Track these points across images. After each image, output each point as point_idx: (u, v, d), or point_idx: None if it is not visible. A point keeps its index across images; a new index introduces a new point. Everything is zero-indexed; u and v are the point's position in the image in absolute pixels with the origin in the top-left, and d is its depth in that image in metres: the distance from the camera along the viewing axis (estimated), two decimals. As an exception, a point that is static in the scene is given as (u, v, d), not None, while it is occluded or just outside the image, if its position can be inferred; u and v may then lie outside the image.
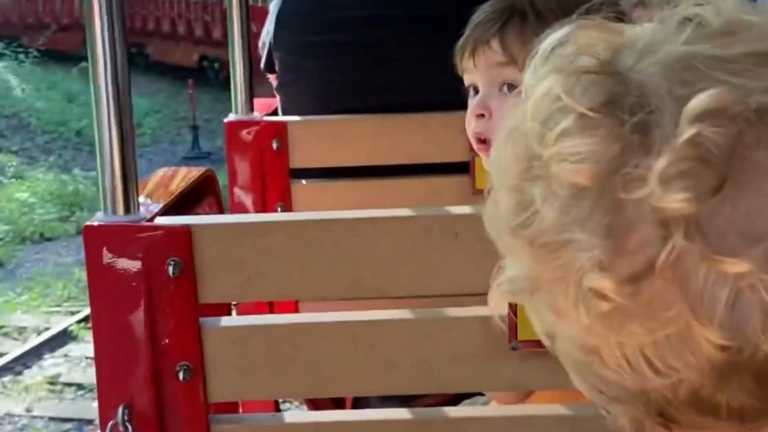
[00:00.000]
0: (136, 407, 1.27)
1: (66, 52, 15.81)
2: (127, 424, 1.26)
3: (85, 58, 1.28)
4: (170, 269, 1.23)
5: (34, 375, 5.09)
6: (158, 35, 16.30)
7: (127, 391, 1.28)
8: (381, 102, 2.09)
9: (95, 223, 1.26)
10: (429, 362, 1.27)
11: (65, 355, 5.32)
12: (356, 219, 1.28)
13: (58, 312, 6.06)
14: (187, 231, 1.24)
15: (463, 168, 2.00)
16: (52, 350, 5.39)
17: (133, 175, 1.27)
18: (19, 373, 5.14)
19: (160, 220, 1.29)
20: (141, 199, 1.33)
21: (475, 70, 1.41)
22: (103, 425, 1.28)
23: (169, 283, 1.24)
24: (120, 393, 1.28)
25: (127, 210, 1.26)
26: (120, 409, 1.26)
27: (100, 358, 1.32)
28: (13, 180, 9.64)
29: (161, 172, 1.71)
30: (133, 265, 1.24)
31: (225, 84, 2.50)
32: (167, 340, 1.26)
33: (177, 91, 14.07)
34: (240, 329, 1.34)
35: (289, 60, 2.20)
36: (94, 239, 1.25)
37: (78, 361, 5.23)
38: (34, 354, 5.34)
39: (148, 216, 1.28)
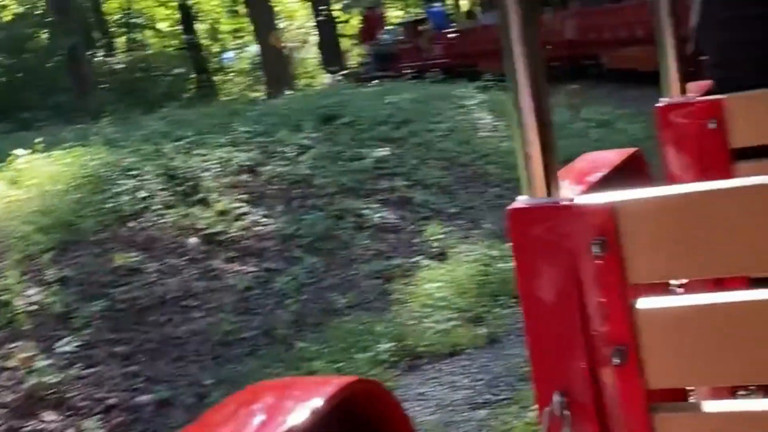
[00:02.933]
0: (572, 394, 1.24)
1: None
2: (564, 411, 1.23)
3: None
4: (595, 249, 1.19)
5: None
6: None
7: (562, 377, 1.25)
8: None
9: (519, 206, 1.26)
10: None
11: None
12: None
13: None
14: (610, 209, 1.19)
15: None
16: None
17: (553, 158, 1.24)
18: None
19: (581, 200, 1.25)
20: (566, 182, 1.32)
21: None
22: (540, 412, 1.26)
23: (595, 263, 1.20)
24: (555, 379, 1.25)
25: (548, 192, 1.24)
26: (556, 396, 1.24)
27: (534, 343, 1.29)
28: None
29: (588, 156, 1.67)
30: (557, 247, 1.22)
31: None
32: (599, 323, 1.22)
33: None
34: (675, 310, 1.24)
35: (723, 36, 2.12)
36: (519, 221, 1.25)
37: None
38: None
39: (571, 197, 1.26)
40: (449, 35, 23.35)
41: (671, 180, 1.96)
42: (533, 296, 1.27)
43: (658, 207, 1.22)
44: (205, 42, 36.91)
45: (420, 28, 24.81)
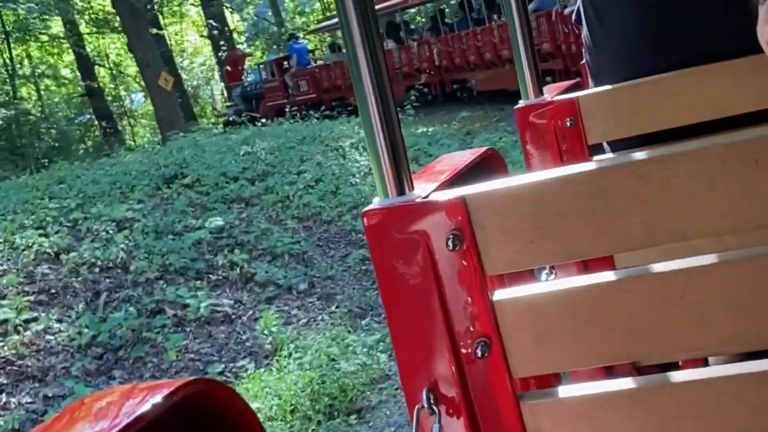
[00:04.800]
0: (440, 389, 1.24)
1: None
2: (433, 407, 1.23)
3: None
4: (450, 242, 1.18)
5: None
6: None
7: (430, 374, 1.24)
8: (678, 57, 1.84)
9: (373, 207, 1.22)
10: (749, 310, 1.12)
11: None
12: (641, 161, 1.14)
13: None
14: (461, 202, 1.18)
15: None
16: None
17: (403, 157, 1.22)
18: None
19: (434, 196, 1.22)
20: (422, 182, 1.29)
21: None
22: (411, 410, 1.25)
23: (452, 257, 1.18)
24: (423, 376, 1.25)
25: (401, 192, 1.22)
26: (424, 393, 1.24)
27: (399, 343, 1.26)
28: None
29: (444, 157, 1.64)
30: (414, 244, 1.20)
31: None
32: (461, 317, 1.21)
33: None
34: (532, 298, 1.22)
35: (602, 16, 2.01)
36: (374, 222, 1.21)
37: None
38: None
39: (423, 195, 1.22)
40: (314, 70, 23.00)
41: None
42: (395, 296, 1.23)
43: (506, 197, 1.19)
44: (108, 86, 35.14)
45: (284, 65, 24.27)
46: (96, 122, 32.07)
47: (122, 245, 7.05)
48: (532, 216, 1.17)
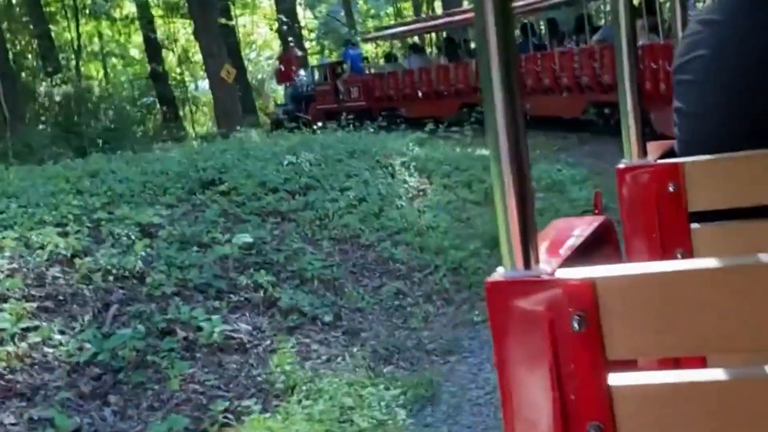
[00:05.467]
0: None
1: None
2: None
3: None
4: (575, 324, 1.15)
5: None
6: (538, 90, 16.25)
7: None
8: None
9: (497, 279, 1.20)
10: None
11: None
12: None
13: None
14: (590, 284, 1.15)
15: None
16: None
17: (533, 227, 1.19)
18: None
19: (561, 273, 1.19)
20: (540, 250, 1.23)
21: None
22: None
23: (574, 338, 1.16)
24: None
25: (527, 265, 1.19)
26: None
27: (509, 419, 1.24)
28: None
29: (559, 224, 1.62)
30: (536, 320, 1.18)
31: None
32: (575, 399, 1.17)
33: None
34: (652, 387, 1.18)
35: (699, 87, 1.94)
36: (498, 295, 1.20)
37: None
38: None
39: (550, 270, 1.19)
40: (368, 78, 23.00)
41: (630, 242, 1.92)
42: (510, 372, 1.21)
43: (636, 283, 1.17)
44: (174, 71, 35.06)
45: (338, 70, 24.12)
46: (158, 106, 31.98)
47: (142, 253, 6.58)
48: (661, 305, 1.14)
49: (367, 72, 23.54)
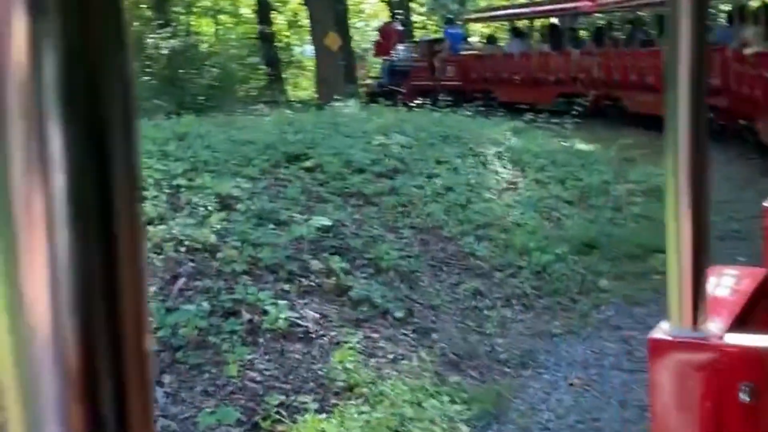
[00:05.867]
0: None
1: None
2: None
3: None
4: (743, 394, 1.09)
5: None
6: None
7: None
8: None
9: (662, 336, 1.14)
10: None
11: None
12: None
13: None
14: (761, 353, 1.09)
15: None
16: None
17: (704, 288, 1.12)
18: None
19: (731, 339, 1.12)
20: (706, 304, 1.17)
21: None
22: None
23: (744, 407, 1.09)
24: None
25: (694, 324, 1.13)
26: None
27: None
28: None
29: (718, 275, 1.44)
30: (701, 385, 1.11)
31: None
32: None
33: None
34: None
35: None
36: (661, 352, 1.14)
37: None
38: None
39: (718, 332, 1.14)
40: (465, 58, 22.74)
41: None
42: (666, 427, 1.14)
43: None
44: (281, 34, 35.10)
45: (436, 47, 23.85)
46: (263, 67, 32.06)
47: (217, 226, 6.38)
48: None
49: (465, 52, 23.25)
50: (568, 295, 6.97)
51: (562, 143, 12.40)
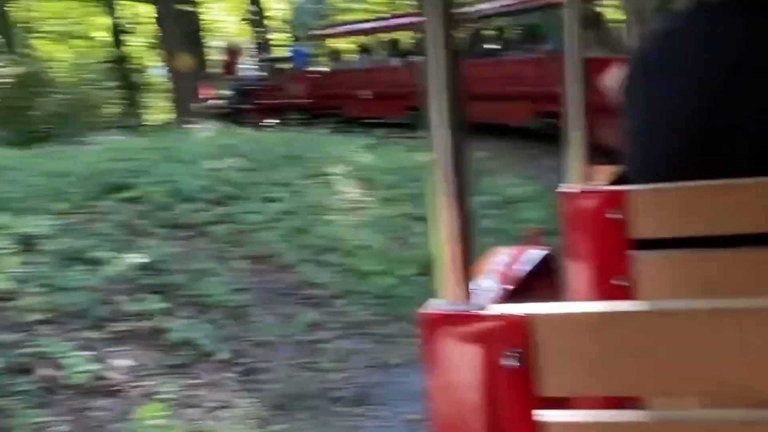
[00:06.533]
0: None
1: None
2: None
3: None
4: (507, 360, 1.16)
5: None
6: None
7: None
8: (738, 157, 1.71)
9: (431, 311, 1.20)
10: None
11: None
12: (715, 310, 1.12)
13: None
14: (525, 320, 1.15)
15: None
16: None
17: (469, 262, 1.18)
18: None
19: (497, 309, 1.19)
20: (477, 282, 1.24)
21: None
22: None
23: (506, 374, 1.17)
24: None
25: (462, 297, 1.18)
26: None
27: None
28: None
29: (499, 253, 1.58)
30: (470, 355, 1.18)
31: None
32: None
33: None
34: (580, 425, 1.21)
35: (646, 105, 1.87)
36: (430, 327, 1.19)
37: None
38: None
39: (485, 303, 1.20)
40: (312, 75, 22.84)
41: (571, 268, 1.89)
42: (440, 405, 1.22)
43: (571, 323, 1.18)
44: (137, 56, 34.02)
45: (282, 65, 23.97)
46: (117, 91, 30.92)
47: (17, 270, 5.71)
48: (594, 345, 1.13)
49: (312, 69, 23.29)
50: (412, 321, 6.55)
51: (415, 158, 12.09)
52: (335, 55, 23.35)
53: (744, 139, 1.71)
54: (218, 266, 6.79)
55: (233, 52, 26.27)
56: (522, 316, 1.14)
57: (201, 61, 25.72)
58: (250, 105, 22.83)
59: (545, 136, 13.76)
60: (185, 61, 20.78)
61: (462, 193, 1.14)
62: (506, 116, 15.87)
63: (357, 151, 11.21)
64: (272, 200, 8.16)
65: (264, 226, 7.60)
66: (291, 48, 24.58)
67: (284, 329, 6.22)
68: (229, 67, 25.67)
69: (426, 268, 7.37)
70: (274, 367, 5.70)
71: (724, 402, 1.16)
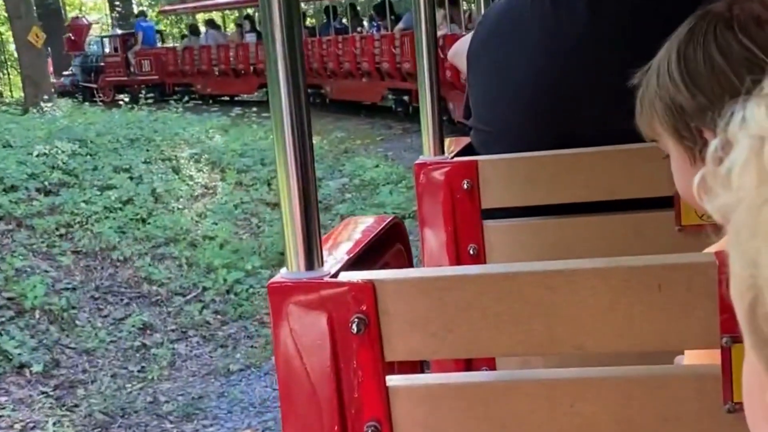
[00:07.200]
0: None
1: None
2: None
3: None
4: (354, 326, 1.16)
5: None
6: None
7: None
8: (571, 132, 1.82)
9: (279, 280, 1.19)
10: (634, 425, 1.15)
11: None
12: (549, 271, 1.16)
13: None
14: (370, 286, 1.16)
15: (666, 203, 1.72)
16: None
17: (316, 231, 1.19)
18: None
19: (344, 276, 1.19)
20: (326, 251, 1.25)
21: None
22: None
23: (354, 340, 1.17)
24: None
25: (310, 266, 1.19)
26: None
27: (287, 417, 1.25)
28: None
29: (349, 223, 1.63)
30: (318, 323, 1.18)
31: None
32: (354, 399, 1.20)
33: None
34: (428, 388, 1.23)
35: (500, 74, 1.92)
36: (279, 296, 1.19)
37: None
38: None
39: (332, 271, 1.20)
40: (161, 52, 22.18)
41: (425, 237, 1.94)
42: (290, 372, 1.21)
43: (415, 287, 1.19)
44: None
45: (129, 41, 23.00)
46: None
47: None
48: (437, 309, 1.15)
49: (162, 46, 22.65)
50: (256, 318, 6.07)
51: (271, 139, 11.57)
52: (191, 30, 22.62)
53: (584, 107, 1.78)
54: (42, 263, 6.14)
55: (79, 27, 25.04)
56: (366, 282, 1.14)
57: (58, 36, 24.41)
58: (95, 83, 21.98)
59: (407, 115, 13.55)
60: (37, 35, 19.58)
61: (307, 160, 1.12)
62: (362, 94, 15.64)
63: (209, 132, 10.60)
64: (110, 188, 7.51)
65: (98, 216, 6.95)
66: (137, 23, 23.54)
67: (113, 333, 5.64)
68: (75, 43, 24.46)
69: (275, 259, 6.90)
70: (97, 378, 5.13)
71: (565, 362, 1.21)
